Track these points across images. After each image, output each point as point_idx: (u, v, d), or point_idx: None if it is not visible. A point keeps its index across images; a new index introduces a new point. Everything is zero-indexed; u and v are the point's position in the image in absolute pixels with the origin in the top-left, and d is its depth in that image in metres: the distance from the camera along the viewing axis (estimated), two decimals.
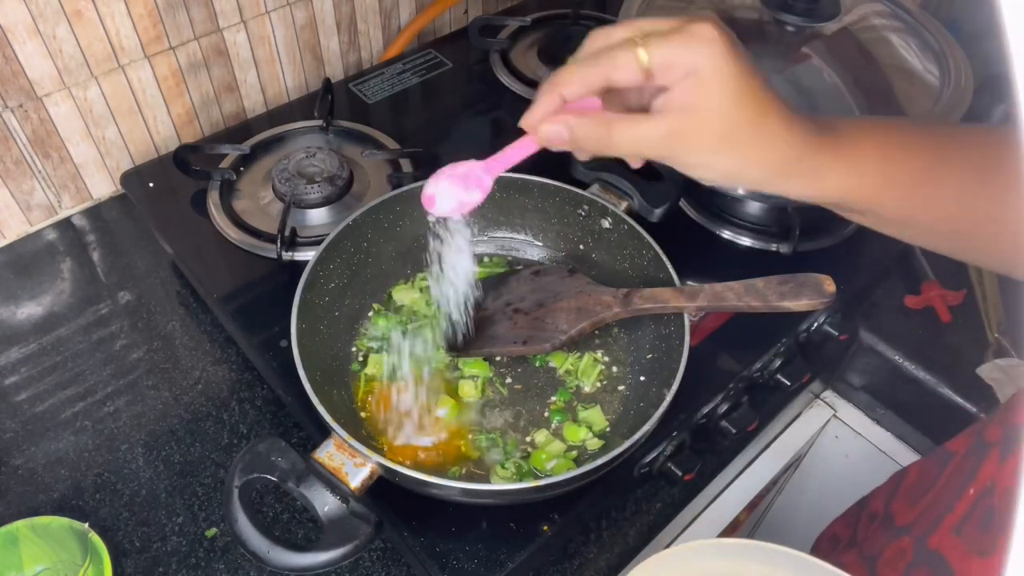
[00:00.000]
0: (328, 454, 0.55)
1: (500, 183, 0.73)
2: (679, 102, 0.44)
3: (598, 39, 0.47)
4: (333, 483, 0.54)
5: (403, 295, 0.74)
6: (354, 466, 0.55)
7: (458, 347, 0.67)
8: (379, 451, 0.56)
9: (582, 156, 0.49)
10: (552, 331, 0.66)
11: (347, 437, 0.55)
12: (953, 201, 0.49)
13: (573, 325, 0.65)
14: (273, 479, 0.54)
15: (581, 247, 0.75)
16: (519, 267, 0.75)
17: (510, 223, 0.77)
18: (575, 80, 0.46)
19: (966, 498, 0.52)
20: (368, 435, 0.64)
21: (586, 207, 0.73)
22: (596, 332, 0.70)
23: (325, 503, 0.53)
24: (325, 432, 0.56)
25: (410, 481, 0.55)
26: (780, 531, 1.09)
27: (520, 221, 0.77)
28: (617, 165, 0.75)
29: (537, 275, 0.71)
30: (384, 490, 0.57)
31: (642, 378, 0.68)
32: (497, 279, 0.73)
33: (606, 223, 0.72)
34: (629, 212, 0.72)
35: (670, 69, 0.43)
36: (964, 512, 0.52)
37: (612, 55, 0.44)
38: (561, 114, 0.46)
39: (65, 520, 0.62)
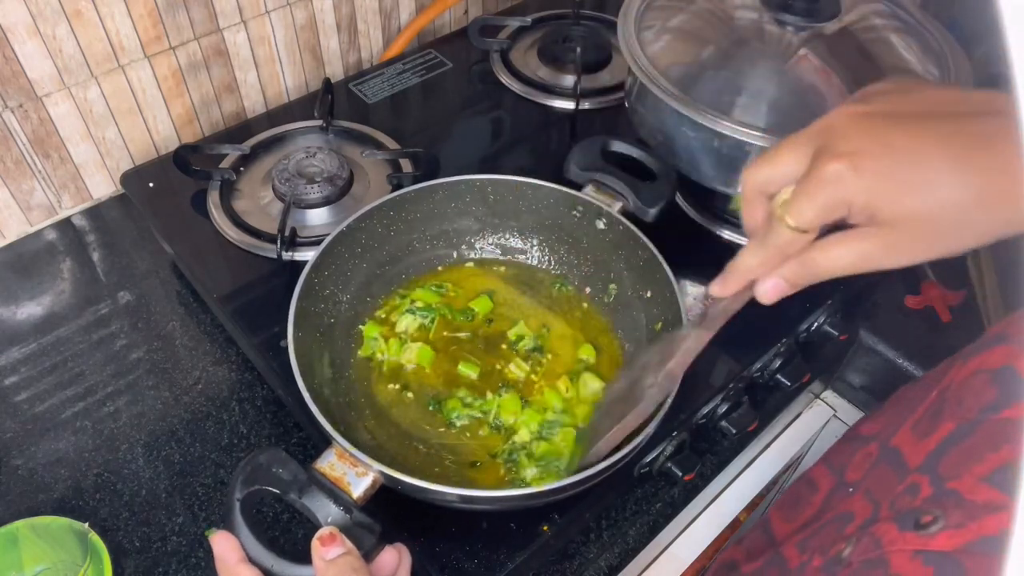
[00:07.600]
0: (330, 464, 0.54)
1: (495, 186, 0.74)
2: (867, 226, 0.42)
3: (748, 217, 0.47)
4: (335, 493, 0.53)
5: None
6: (356, 475, 0.54)
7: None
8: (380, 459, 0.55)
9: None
10: (644, 390, 0.58)
11: (348, 446, 0.54)
12: None
13: (658, 372, 0.58)
14: (275, 491, 0.53)
15: (577, 249, 0.75)
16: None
17: (505, 225, 0.76)
18: (757, 268, 0.47)
19: (928, 400, 0.54)
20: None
21: (580, 208, 0.72)
22: (596, 334, 0.70)
23: (328, 514, 0.52)
24: (325, 435, 0.56)
25: (412, 489, 0.54)
26: None
27: (515, 223, 0.76)
28: (610, 165, 0.75)
29: (627, 367, 0.65)
30: (383, 492, 0.57)
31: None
32: (597, 406, 0.66)
33: (601, 224, 0.72)
34: (624, 213, 0.71)
35: (829, 216, 0.42)
36: (924, 411, 0.54)
37: (774, 239, 0.45)
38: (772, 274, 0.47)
39: (65, 520, 0.62)
